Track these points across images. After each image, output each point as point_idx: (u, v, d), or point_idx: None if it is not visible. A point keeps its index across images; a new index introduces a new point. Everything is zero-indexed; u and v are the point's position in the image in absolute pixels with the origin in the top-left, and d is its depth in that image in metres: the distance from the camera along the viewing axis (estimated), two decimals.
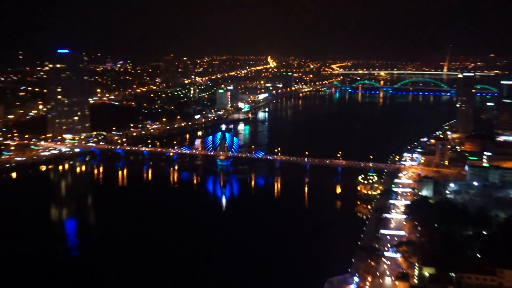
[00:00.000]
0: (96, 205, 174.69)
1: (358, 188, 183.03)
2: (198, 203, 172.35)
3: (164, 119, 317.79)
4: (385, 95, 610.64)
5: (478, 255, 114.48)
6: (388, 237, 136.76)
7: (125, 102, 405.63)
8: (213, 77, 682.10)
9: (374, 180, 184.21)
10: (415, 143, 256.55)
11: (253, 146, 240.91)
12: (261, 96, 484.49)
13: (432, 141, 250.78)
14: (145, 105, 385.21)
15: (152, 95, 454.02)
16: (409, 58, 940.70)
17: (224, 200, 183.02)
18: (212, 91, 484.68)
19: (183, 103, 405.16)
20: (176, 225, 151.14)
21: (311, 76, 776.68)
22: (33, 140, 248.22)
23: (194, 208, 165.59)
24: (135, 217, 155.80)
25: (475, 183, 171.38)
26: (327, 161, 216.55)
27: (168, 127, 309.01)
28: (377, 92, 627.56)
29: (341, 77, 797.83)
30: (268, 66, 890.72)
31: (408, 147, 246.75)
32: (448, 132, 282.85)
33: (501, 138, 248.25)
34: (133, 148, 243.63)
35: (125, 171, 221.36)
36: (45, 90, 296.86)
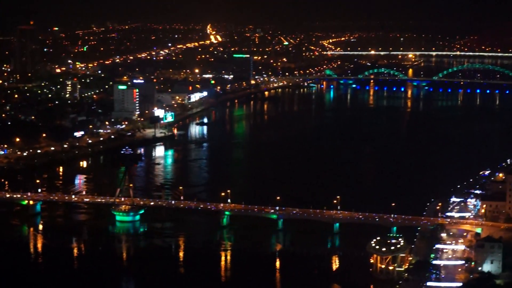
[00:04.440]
0: None
1: (371, 260, 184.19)
2: None
3: (17, 139, 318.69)
4: (416, 94, 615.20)
5: None
6: None
7: None
8: (107, 63, 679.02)
9: (398, 246, 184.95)
10: (470, 180, 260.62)
11: (181, 187, 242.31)
12: (195, 97, 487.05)
13: (500, 175, 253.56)
14: None
15: None
16: (458, 29, 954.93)
17: None
18: (106, 87, 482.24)
19: (54, 110, 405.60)
20: None
21: (284, 60, 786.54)
22: None
23: None
24: None
25: None
26: (315, 213, 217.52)
27: (25, 153, 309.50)
28: (402, 88, 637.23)
29: (339, 62, 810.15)
30: (208, 41, 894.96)
31: (459, 186, 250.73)
32: None
33: None
34: None
35: None
36: None
